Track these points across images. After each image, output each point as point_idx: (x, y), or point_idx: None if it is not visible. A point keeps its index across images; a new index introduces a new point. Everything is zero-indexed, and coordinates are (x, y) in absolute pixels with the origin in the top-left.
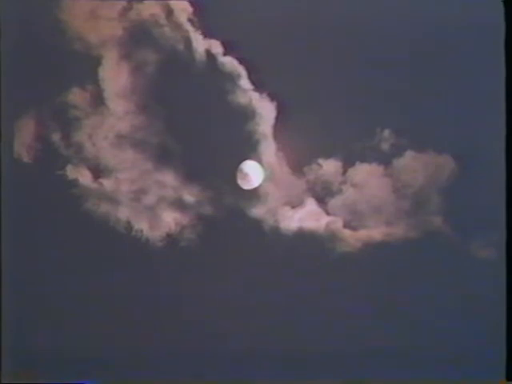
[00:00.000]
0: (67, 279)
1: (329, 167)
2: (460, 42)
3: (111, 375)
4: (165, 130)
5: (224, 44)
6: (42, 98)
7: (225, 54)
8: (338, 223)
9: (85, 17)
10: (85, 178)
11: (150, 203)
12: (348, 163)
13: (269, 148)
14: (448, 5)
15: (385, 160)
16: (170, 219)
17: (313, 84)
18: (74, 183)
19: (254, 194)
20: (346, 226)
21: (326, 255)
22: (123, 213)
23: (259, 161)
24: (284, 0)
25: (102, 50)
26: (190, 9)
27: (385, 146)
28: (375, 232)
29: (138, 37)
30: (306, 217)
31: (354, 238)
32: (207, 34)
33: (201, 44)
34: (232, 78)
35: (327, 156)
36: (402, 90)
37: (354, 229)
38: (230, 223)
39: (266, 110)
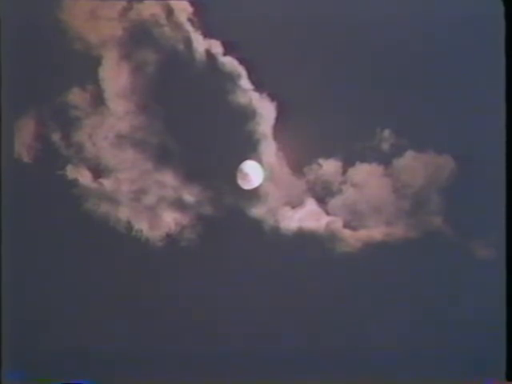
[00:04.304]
0: (67, 279)
1: (329, 167)
2: (460, 42)
3: (111, 375)
4: (165, 130)
5: (224, 44)
6: (42, 98)
7: (225, 54)
8: (337, 223)
9: (85, 17)
10: (85, 178)
11: (150, 203)
12: (348, 163)
13: (269, 148)
14: (448, 5)
15: (385, 160)
16: (170, 219)
17: (313, 84)
18: (74, 183)
19: (253, 194)
20: (346, 226)
21: (326, 255)
22: (123, 213)
23: (259, 161)
24: (284, 0)
25: (102, 50)
26: (190, 9)
27: (385, 146)
28: (375, 232)
29: (138, 37)
30: (305, 217)
31: (354, 238)
32: (207, 34)
33: (201, 44)
34: (232, 78)
35: (327, 156)
36: (402, 90)
37: (354, 229)
38: (230, 223)
39: (266, 110)
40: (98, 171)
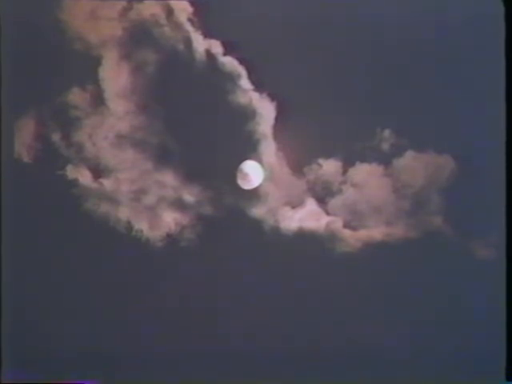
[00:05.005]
0: (67, 279)
1: (329, 167)
2: (460, 42)
3: (111, 375)
4: (165, 130)
5: (224, 44)
6: (42, 97)
7: (225, 54)
8: (337, 223)
9: (85, 17)
10: (85, 178)
11: (150, 203)
12: (348, 163)
13: (269, 148)
14: (448, 5)
15: (385, 160)
16: (170, 219)
17: (313, 84)
18: (74, 183)
19: (253, 194)
20: (346, 226)
21: (326, 255)
22: (123, 213)
23: (259, 161)
24: (284, 0)
25: (102, 50)
26: (190, 9)
27: (385, 146)
28: (375, 232)
29: (138, 37)
30: (306, 217)
31: (354, 238)
32: (207, 34)
33: (201, 44)
34: (232, 78)
35: (327, 156)
36: (402, 90)
37: (354, 229)
38: (230, 223)
39: (266, 110)
40: (98, 171)
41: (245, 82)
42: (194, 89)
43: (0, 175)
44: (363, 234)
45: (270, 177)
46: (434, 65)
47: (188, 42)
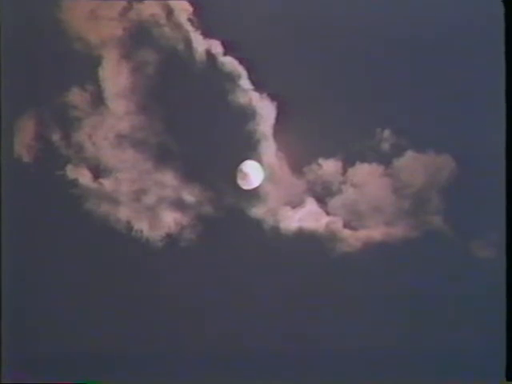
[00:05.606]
0: (67, 279)
1: (329, 167)
2: (460, 42)
3: (111, 375)
4: (165, 130)
5: (224, 44)
6: (42, 98)
7: (225, 54)
8: (338, 223)
9: (85, 17)
10: (85, 177)
11: (150, 203)
12: (348, 163)
13: (269, 148)
14: (448, 5)
15: (385, 160)
16: (170, 219)
17: (313, 84)
18: (74, 183)
19: (253, 194)
20: (346, 226)
21: (326, 255)
22: (123, 213)
23: (259, 161)
24: (284, 0)
25: (102, 50)
26: (190, 9)
27: (385, 146)
28: (375, 232)
29: (138, 37)
30: (305, 217)
31: (354, 238)
32: (207, 34)
33: (201, 44)
34: (232, 78)
35: (327, 156)
36: (402, 90)
37: (354, 229)
38: (229, 223)
39: (265, 110)
40: (98, 171)
41: (245, 82)
42: (193, 89)
43: (0, 175)
44: (363, 233)
45: (269, 177)
46: (434, 65)
47: (188, 41)
